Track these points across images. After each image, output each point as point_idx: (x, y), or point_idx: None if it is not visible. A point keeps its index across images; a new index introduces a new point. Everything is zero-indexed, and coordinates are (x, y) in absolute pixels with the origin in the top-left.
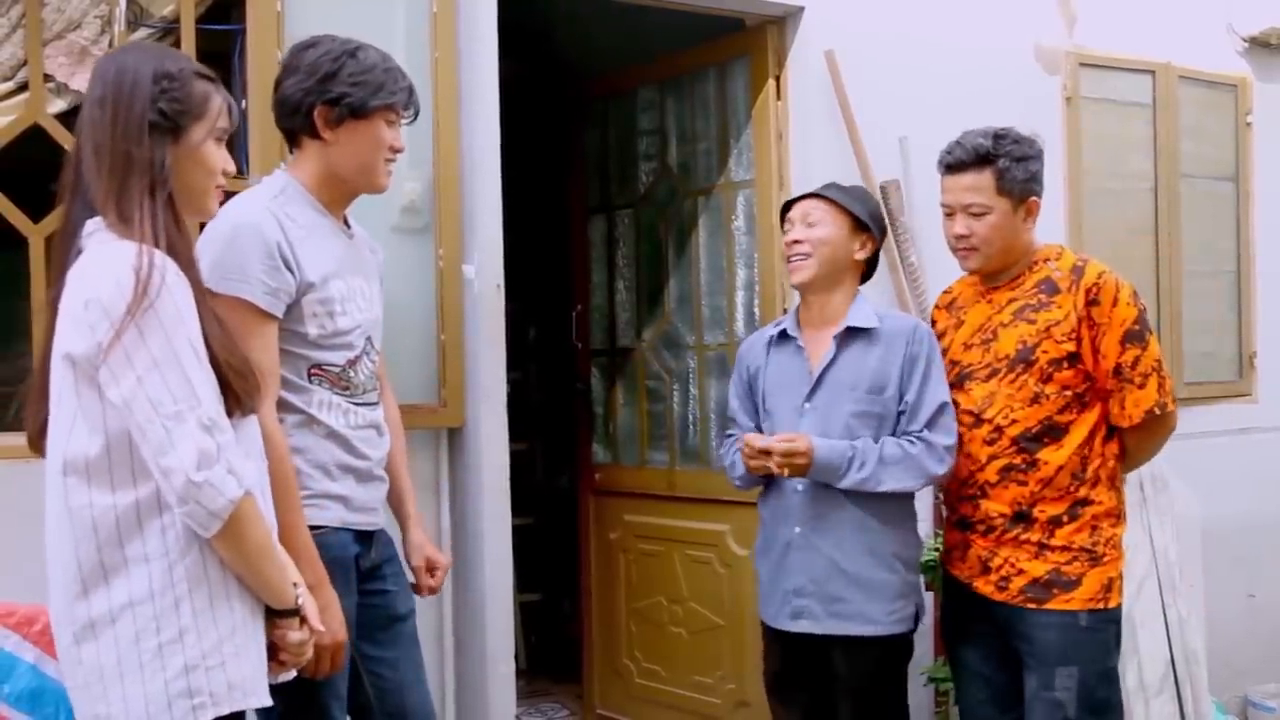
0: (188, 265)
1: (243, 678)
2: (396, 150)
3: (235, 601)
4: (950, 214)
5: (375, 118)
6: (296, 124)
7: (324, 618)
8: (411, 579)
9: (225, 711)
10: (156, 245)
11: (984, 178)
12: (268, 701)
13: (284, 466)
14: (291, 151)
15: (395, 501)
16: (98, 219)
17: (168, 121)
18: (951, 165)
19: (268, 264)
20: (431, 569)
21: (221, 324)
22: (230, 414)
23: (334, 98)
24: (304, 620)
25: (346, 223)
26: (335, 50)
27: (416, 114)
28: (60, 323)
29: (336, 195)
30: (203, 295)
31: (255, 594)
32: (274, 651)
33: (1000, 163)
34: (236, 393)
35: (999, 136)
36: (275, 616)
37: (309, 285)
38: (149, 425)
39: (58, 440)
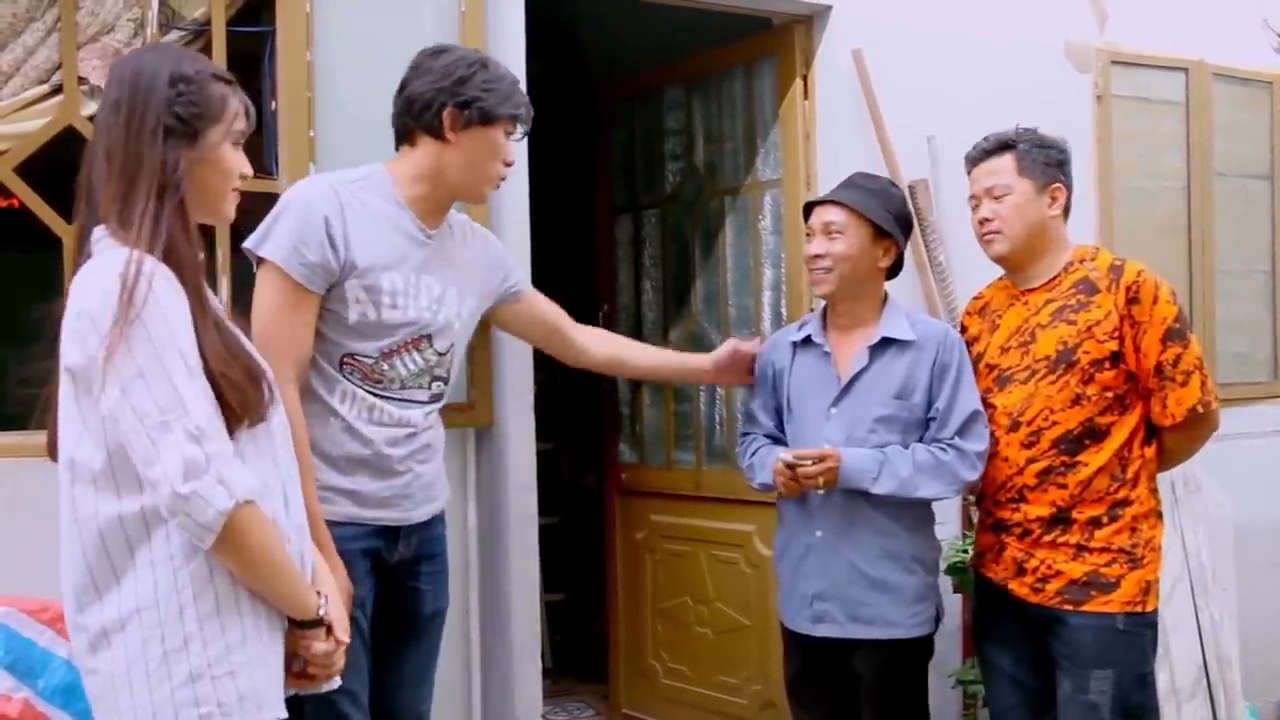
0: (191, 270)
1: (255, 689)
2: (508, 163)
3: (246, 610)
4: (976, 204)
5: (498, 126)
6: (424, 121)
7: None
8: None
9: None
10: (153, 249)
11: (1004, 161)
12: (282, 714)
13: (304, 451)
14: (398, 148)
15: None
16: (103, 227)
17: (184, 125)
18: (974, 157)
19: (309, 236)
20: None
21: (222, 333)
22: (231, 429)
23: (465, 100)
24: (330, 631)
25: (435, 226)
26: (470, 58)
27: (526, 134)
28: (62, 334)
29: (430, 196)
30: (203, 304)
31: (271, 604)
32: (298, 662)
33: (1020, 147)
34: (233, 406)
35: (1020, 129)
36: (298, 627)
37: (354, 268)
38: (135, 437)
39: (66, 450)
